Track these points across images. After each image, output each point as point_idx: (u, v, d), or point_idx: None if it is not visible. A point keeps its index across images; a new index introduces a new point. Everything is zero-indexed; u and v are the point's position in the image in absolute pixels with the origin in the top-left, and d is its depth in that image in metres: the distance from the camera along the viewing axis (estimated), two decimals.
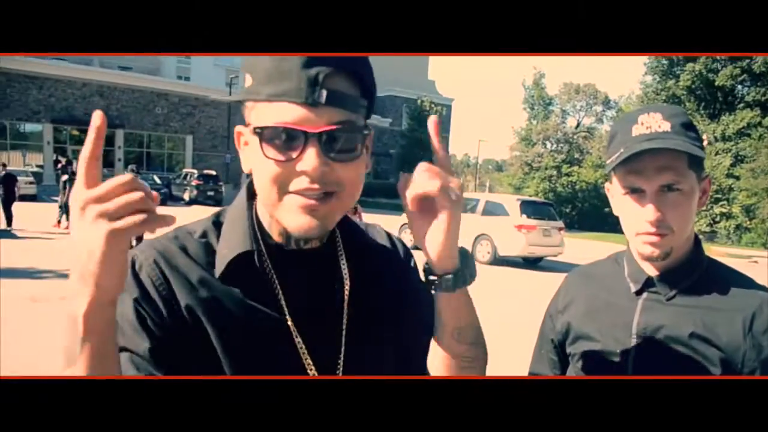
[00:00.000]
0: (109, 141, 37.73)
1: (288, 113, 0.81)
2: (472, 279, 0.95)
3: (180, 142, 40.99)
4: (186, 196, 30.16)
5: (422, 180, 0.87)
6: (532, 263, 15.69)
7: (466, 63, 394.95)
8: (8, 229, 15.14)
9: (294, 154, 0.83)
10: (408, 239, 13.41)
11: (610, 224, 34.64)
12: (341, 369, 0.97)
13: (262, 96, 0.83)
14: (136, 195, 0.70)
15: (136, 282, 0.89)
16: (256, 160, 0.87)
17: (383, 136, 53.14)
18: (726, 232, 32.37)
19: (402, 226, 17.15)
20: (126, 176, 0.71)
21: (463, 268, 0.93)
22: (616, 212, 1.29)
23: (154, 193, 0.76)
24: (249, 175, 0.94)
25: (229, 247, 0.94)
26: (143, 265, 0.91)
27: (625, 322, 1.28)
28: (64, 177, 15.75)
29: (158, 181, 29.81)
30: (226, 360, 0.89)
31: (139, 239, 3.41)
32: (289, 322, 0.94)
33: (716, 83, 34.66)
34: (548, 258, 15.81)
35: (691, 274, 1.26)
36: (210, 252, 0.95)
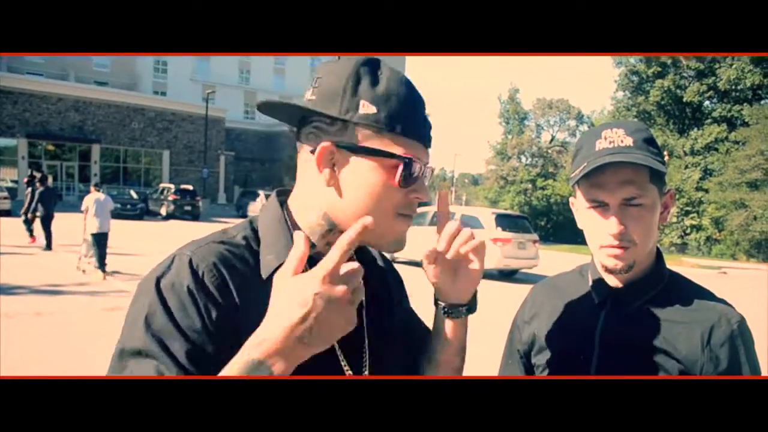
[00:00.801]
0: (85, 156, 37.38)
1: (416, 149, 0.99)
2: (476, 306, 1.16)
3: (157, 157, 40.70)
4: (163, 211, 29.95)
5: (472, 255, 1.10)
6: (507, 275, 15.83)
7: (442, 77, 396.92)
8: None
9: (416, 183, 1.00)
10: (386, 253, 13.65)
11: (584, 236, 35.04)
12: (367, 368, 1.06)
13: (398, 130, 0.96)
14: (359, 274, 0.83)
15: (195, 282, 0.91)
16: (371, 181, 0.97)
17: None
18: (696, 243, 32.94)
19: None
20: (353, 264, 0.82)
21: (474, 300, 1.14)
22: (580, 226, 1.29)
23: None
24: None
25: (273, 253, 0.99)
26: (200, 265, 0.92)
27: (588, 334, 1.29)
28: (28, 190, 15.35)
29: (135, 196, 29.59)
30: None
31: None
32: None
33: (684, 99, 35.42)
34: (523, 270, 15.99)
35: (653, 287, 1.28)
36: (255, 257, 0.99)
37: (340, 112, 0.95)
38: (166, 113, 40.10)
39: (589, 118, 53.45)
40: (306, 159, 1.01)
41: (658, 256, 1.31)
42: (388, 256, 1.28)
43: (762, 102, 34.85)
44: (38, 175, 15.68)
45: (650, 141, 1.22)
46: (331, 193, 0.98)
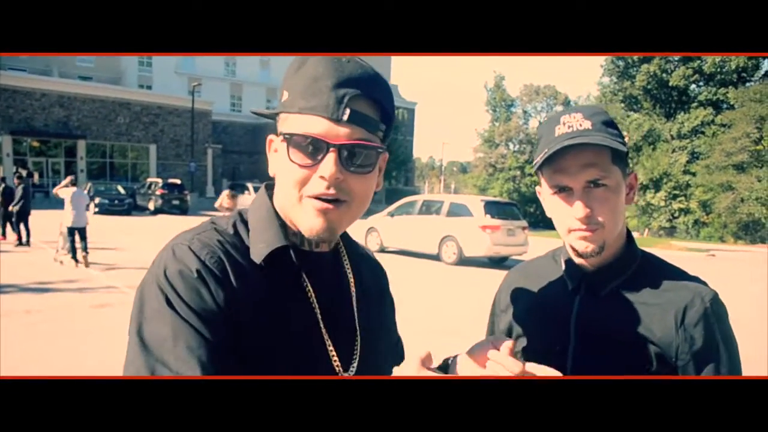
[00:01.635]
0: (71, 152, 37.10)
1: (315, 125, 0.93)
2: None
3: (143, 152, 40.45)
4: (151, 206, 29.82)
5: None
6: (497, 263, 15.92)
7: (429, 67, 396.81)
8: None
9: (316, 161, 0.94)
10: (375, 243, 13.38)
11: None
12: (357, 357, 1.06)
13: (295, 109, 0.94)
14: None
15: (202, 266, 0.92)
16: (283, 165, 0.97)
17: None
18: (685, 227, 33.19)
19: (369, 230, 17.31)
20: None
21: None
22: (548, 213, 1.29)
23: None
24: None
25: (263, 241, 1.00)
26: (202, 252, 0.94)
27: (563, 319, 1.29)
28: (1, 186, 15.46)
29: (122, 191, 29.44)
30: (263, 344, 0.94)
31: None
32: (316, 310, 1.02)
33: (670, 83, 35.58)
34: (513, 257, 16.10)
35: (625, 269, 1.28)
36: (244, 246, 1.00)
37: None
38: (151, 107, 39.83)
39: (576, 104, 53.60)
40: None
41: (629, 237, 1.32)
42: (376, 245, 1.31)
43: (747, 84, 35.07)
44: (24, 172, 15.69)
45: (609, 123, 1.22)
46: (276, 180, 1.04)
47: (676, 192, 32.29)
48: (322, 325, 1.02)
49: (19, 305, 8.44)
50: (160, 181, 31.14)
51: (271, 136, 1.04)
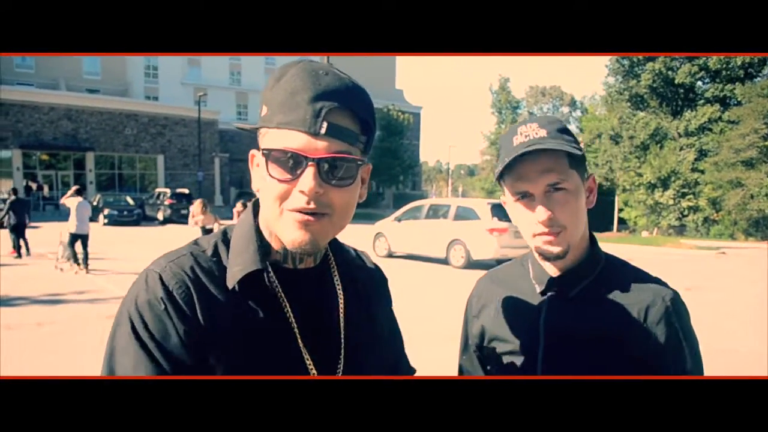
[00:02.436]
0: (80, 164, 37.35)
1: (293, 140, 0.92)
2: None
3: (151, 163, 40.68)
4: (160, 216, 29.95)
5: None
6: None
7: (433, 70, 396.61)
8: None
9: (295, 176, 0.93)
10: (383, 248, 13.27)
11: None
12: (340, 374, 1.05)
13: (273, 123, 0.94)
14: None
15: (168, 299, 0.94)
16: (263, 180, 0.97)
17: None
18: (695, 225, 32.98)
19: (376, 235, 17.32)
20: None
21: None
22: (514, 221, 1.33)
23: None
24: (241, 195, 1.10)
25: (239, 264, 1.00)
26: (170, 282, 0.96)
27: (533, 323, 1.33)
28: (12, 197, 15.78)
29: (131, 202, 29.59)
30: (238, 368, 0.94)
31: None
32: (296, 333, 1.01)
33: (676, 81, 35.42)
34: None
35: (590, 272, 1.32)
36: (221, 269, 1.01)
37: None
38: (158, 118, 40.07)
39: (581, 104, 53.53)
40: None
41: (593, 241, 1.36)
42: (384, 252, 1.30)
43: (755, 80, 34.87)
44: (34, 185, 16.08)
45: (564, 130, 1.27)
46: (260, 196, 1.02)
47: (685, 190, 32.07)
48: (301, 345, 1.01)
49: (31, 318, 8.50)
50: (168, 191, 31.30)
51: (253, 151, 1.04)
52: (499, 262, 15.96)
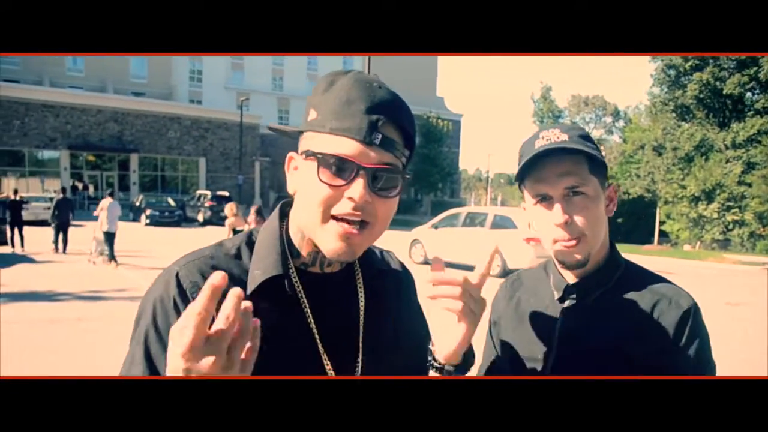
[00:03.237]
0: (124, 165, 38.29)
1: (347, 147, 0.93)
2: (471, 367, 1.08)
3: (193, 165, 41.45)
4: (200, 218, 30.46)
5: (447, 301, 0.99)
6: None
7: (474, 79, 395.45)
8: (20, 251, 15.58)
9: (344, 182, 0.94)
10: (419, 254, 13.25)
11: (622, 233, 34.41)
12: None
13: (326, 129, 0.95)
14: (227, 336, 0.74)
15: (181, 297, 0.96)
16: (308, 183, 0.97)
17: None
18: (740, 239, 32.08)
19: (413, 242, 17.30)
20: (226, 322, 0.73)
21: (466, 362, 1.06)
22: (534, 229, 1.33)
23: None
24: (279, 198, 1.11)
25: (260, 268, 1.01)
26: (185, 281, 0.97)
27: (548, 328, 1.33)
28: (59, 196, 16.80)
29: (173, 203, 30.17)
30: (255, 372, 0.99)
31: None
32: (316, 337, 1.02)
33: (724, 92, 34.57)
34: None
35: (609, 279, 1.31)
36: (244, 271, 1.02)
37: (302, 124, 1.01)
38: (201, 121, 40.82)
39: (625, 114, 52.69)
40: None
41: (612, 248, 1.35)
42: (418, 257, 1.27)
43: None
44: (80, 185, 16.87)
45: (586, 137, 1.28)
46: (296, 199, 1.03)
47: (730, 203, 31.24)
48: (320, 347, 1.02)
49: (72, 313, 8.74)
50: (209, 193, 31.81)
51: (291, 154, 1.05)
52: None
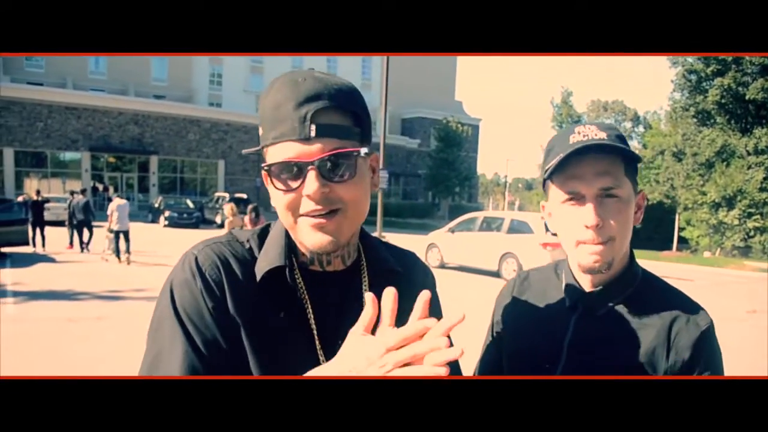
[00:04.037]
0: (144, 167, 38.63)
1: (289, 150, 0.95)
2: None
3: (212, 167, 41.71)
4: (218, 219, 30.52)
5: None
6: None
7: (493, 83, 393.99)
8: (42, 251, 15.82)
9: (298, 183, 0.96)
10: (436, 258, 13.15)
11: (641, 240, 34.03)
12: None
13: (269, 140, 0.97)
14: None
15: (201, 278, 1.00)
16: (272, 194, 1.01)
17: (411, 157, 53.28)
18: (761, 246, 31.60)
19: (429, 246, 17.28)
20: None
21: None
22: (554, 227, 1.28)
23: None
24: None
25: (266, 259, 1.05)
26: (205, 264, 1.02)
27: (557, 337, 1.28)
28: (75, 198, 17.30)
29: (191, 205, 30.38)
30: (254, 359, 0.98)
31: None
32: (314, 330, 1.04)
33: (747, 97, 34.12)
34: None
35: (625, 289, 1.26)
36: (253, 260, 1.06)
37: None
38: (221, 124, 41.08)
39: (645, 119, 52.20)
40: None
41: (631, 257, 1.30)
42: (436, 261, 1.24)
43: None
44: (100, 186, 17.35)
45: (622, 138, 1.22)
46: None
47: (752, 210, 30.77)
48: (318, 345, 1.03)
49: (92, 312, 8.84)
50: (227, 195, 31.94)
51: (264, 169, 1.07)
52: None
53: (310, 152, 0.95)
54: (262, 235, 1.11)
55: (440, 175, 46.55)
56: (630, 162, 1.20)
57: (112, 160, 38.02)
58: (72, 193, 17.53)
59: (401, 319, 1.11)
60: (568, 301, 1.30)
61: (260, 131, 1.02)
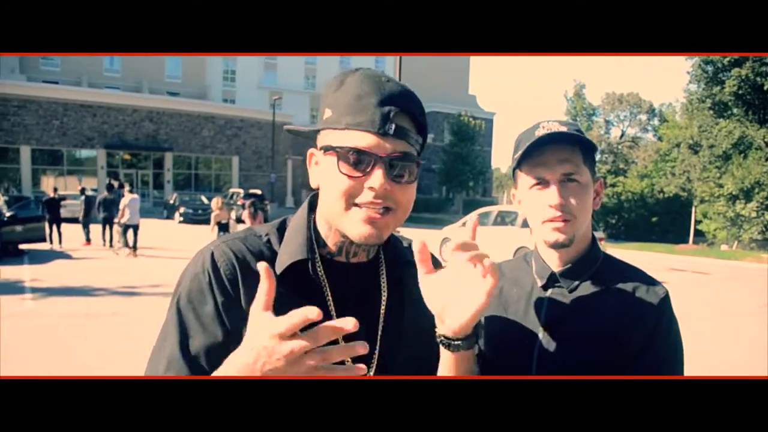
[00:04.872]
0: (159, 164, 38.90)
1: (363, 139, 1.00)
2: (478, 339, 1.10)
3: (226, 163, 41.90)
4: (232, 215, 30.77)
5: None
6: None
7: (507, 77, 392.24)
8: (58, 248, 15.99)
9: (364, 173, 1.01)
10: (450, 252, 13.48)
11: (657, 233, 33.82)
12: (374, 369, 1.10)
13: (342, 125, 1.01)
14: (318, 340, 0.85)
15: (214, 273, 1.04)
16: (329, 176, 1.04)
17: (425, 151, 53.15)
18: None
19: (443, 240, 17.28)
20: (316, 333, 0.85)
21: (476, 334, 1.09)
22: (523, 211, 1.43)
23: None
24: (310, 193, 1.17)
25: (288, 252, 1.08)
26: (220, 259, 1.05)
27: (533, 316, 1.40)
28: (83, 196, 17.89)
29: (206, 201, 30.56)
30: None
31: None
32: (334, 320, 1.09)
33: (765, 87, 33.71)
34: None
35: (590, 267, 1.40)
36: (272, 254, 1.10)
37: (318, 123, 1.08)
38: (235, 120, 41.23)
39: (660, 111, 51.72)
40: None
41: (593, 239, 1.45)
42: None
43: None
44: (115, 183, 17.56)
45: (580, 131, 1.39)
46: (320, 192, 1.10)
47: None
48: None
49: (108, 308, 8.93)
50: (241, 191, 32.08)
51: (311, 150, 1.13)
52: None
53: (383, 148, 1.00)
54: (281, 229, 1.15)
55: (454, 169, 46.42)
56: (588, 153, 1.38)
57: (127, 157, 38.29)
58: (109, 187, 17.79)
59: (413, 307, 1.15)
60: (540, 282, 1.44)
61: (325, 114, 1.06)
